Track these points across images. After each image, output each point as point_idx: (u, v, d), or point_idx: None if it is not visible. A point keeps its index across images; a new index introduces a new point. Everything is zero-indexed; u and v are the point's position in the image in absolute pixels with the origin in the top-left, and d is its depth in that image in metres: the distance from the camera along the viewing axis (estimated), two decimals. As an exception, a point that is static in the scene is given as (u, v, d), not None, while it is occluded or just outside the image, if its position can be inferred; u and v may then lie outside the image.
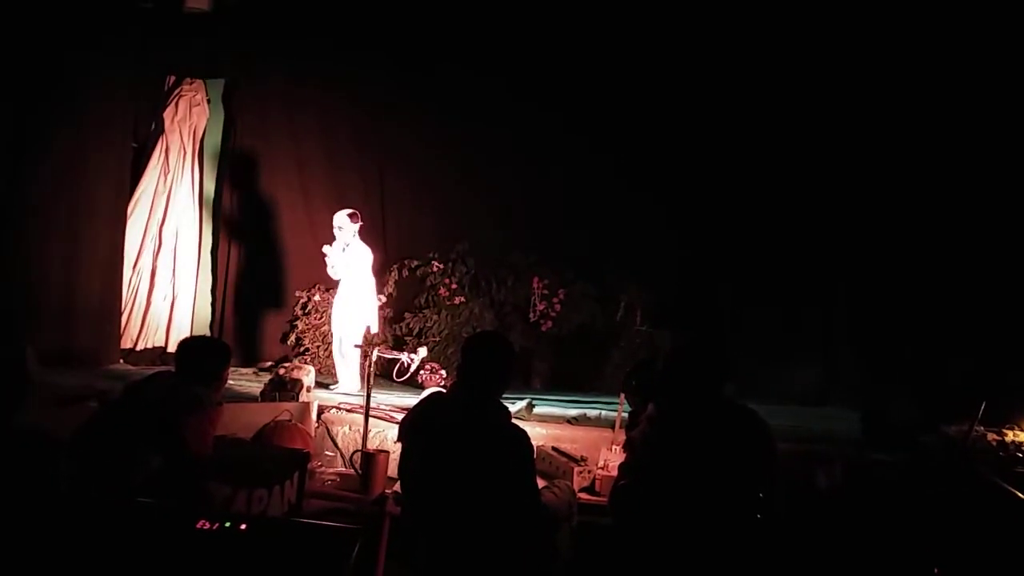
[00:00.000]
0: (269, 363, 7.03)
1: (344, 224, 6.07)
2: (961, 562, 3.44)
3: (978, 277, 6.16)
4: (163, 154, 7.25)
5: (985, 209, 6.26)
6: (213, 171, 7.50)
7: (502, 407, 2.95)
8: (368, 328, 5.38)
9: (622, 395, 4.75)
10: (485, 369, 2.95)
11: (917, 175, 6.46)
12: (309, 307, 7.27)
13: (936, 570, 3.40)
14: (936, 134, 6.35)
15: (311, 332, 7.22)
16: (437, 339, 7.06)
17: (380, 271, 7.36)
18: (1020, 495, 3.78)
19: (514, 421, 3.00)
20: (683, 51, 6.92)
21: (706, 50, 6.87)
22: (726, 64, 6.90)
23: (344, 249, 6.10)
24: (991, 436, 4.97)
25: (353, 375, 6.14)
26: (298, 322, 7.27)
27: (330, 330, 6.46)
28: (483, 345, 3.10)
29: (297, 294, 7.32)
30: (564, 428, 5.24)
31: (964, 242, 6.26)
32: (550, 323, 7.21)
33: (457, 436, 2.84)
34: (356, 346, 6.41)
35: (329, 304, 7.17)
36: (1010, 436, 5.00)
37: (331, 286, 7.29)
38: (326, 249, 6.15)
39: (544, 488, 3.33)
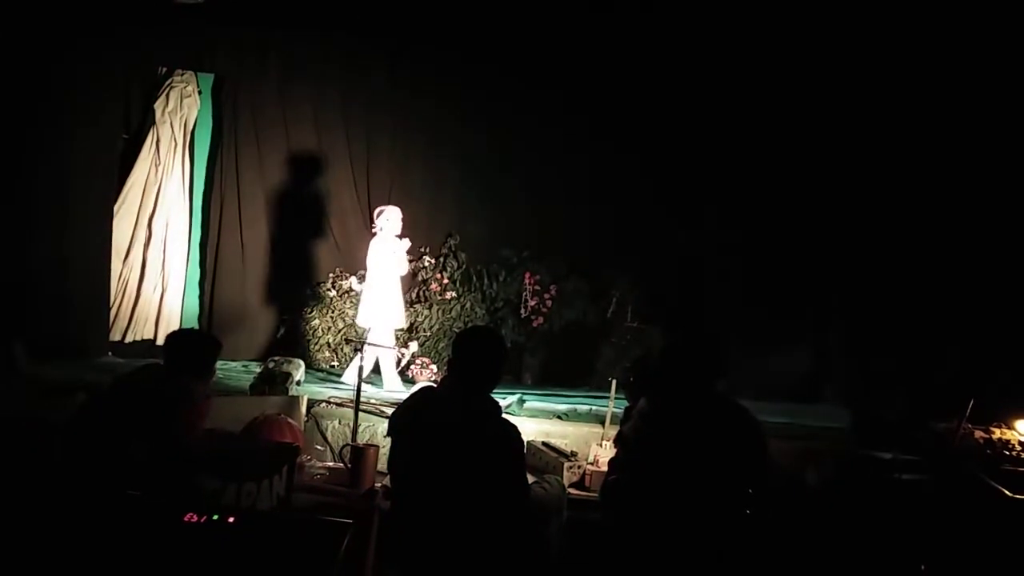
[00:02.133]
0: (259, 357, 7.00)
1: None
2: (948, 559, 3.46)
3: (968, 276, 6.19)
4: (154, 146, 7.21)
5: (977, 210, 6.28)
6: (203, 163, 7.46)
7: (493, 401, 2.95)
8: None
9: (612, 390, 4.77)
10: (476, 364, 2.95)
11: (911, 175, 6.48)
12: (300, 301, 7.24)
13: (923, 567, 3.42)
14: (930, 137, 6.37)
15: (301, 326, 7.19)
16: (428, 334, 7.04)
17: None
18: (1007, 492, 3.80)
19: (504, 416, 3.00)
20: (682, 49, 6.90)
21: (706, 49, 6.85)
22: (722, 60, 6.89)
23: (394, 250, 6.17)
24: (979, 434, 4.98)
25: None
26: (288, 315, 7.24)
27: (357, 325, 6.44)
28: (475, 340, 3.09)
29: (287, 288, 7.29)
30: (554, 423, 5.24)
31: (956, 242, 6.29)
32: (541, 319, 7.20)
33: (448, 430, 2.83)
34: (347, 341, 6.40)
35: (320, 298, 7.17)
36: (997, 434, 5.01)
37: (321, 279, 7.29)
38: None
39: (534, 483, 3.33)
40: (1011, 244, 6.19)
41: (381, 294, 6.11)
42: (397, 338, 6.44)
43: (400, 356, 6.21)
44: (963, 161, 6.33)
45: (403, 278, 6.49)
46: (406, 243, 6.25)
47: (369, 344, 5.61)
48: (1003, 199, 6.26)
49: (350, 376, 6.14)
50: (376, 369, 6.23)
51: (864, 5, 6.31)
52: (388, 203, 7.20)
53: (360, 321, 6.28)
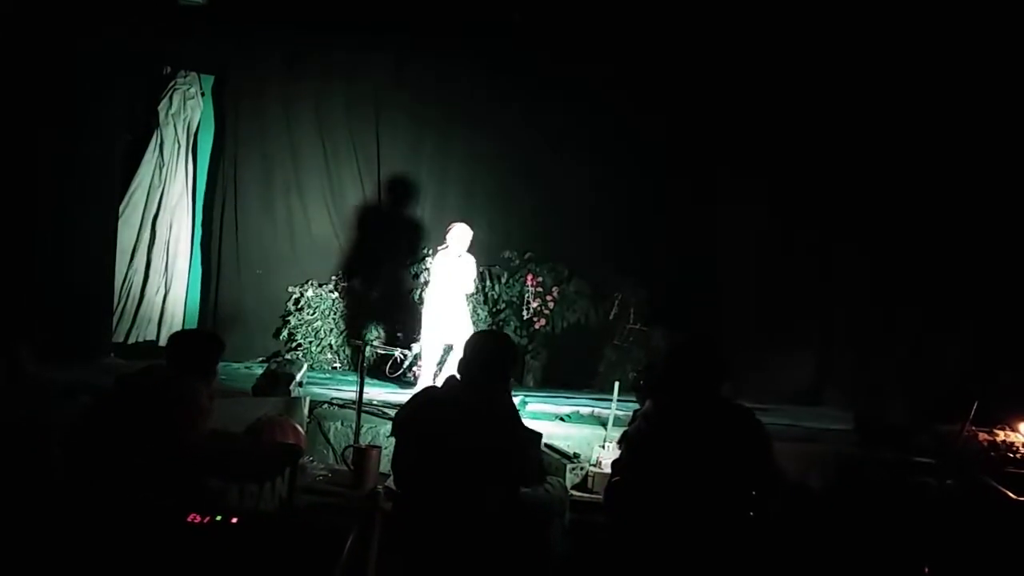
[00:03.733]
0: (261, 358, 7.01)
1: None
2: (951, 561, 3.45)
3: (972, 277, 6.17)
4: (158, 148, 7.23)
5: (980, 209, 6.26)
6: (206, 165, 7.47)
7: (499, 400, 2.94)
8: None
9: (615, 392, 4.78)
10: (479, 364, 2.95)
11: (914, 174, 6.46)
12: (302, 302, 7.25)
13: (926, 569, 3.41)
14: (934, 133, 6.34)
15: (304, 327, 7.20)
16: (430, 336, 7.04)
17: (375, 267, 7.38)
18: (1011, 495, 3.79)
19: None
20: (684, 50, 6.90)
21: (707, 49, 6.85)
22: (725, 61, 6.89)
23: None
24: (983, 436, 4.98)
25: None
26: (291, 317, 7.25)
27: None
28: (486, 341, 3.11)
29: (290, 289, 7.30)
30: (557, 425, 5.24)
31: (958, 242, 6.27)
32: (544, 320, 7.20)
33: (451, 430, 2.83)
34: (353, 342, 6.37)
35: (322, 299, 7.19)
36: (1001, 436, 5.01)
37: (323, 281, 7.30)
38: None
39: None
40: (1014, 244, 6.17)
41: (437, 308, 6.03)
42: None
43: (402, 357, 6.21)
44: (971, 159, 6.29)
45: (406, 280, 6.43)
46: (470, 262, 6.12)
47: (375, 347, 5.61)
48: (1006, 199, 6.24)
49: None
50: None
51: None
52: (391, 203, 7.21)
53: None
